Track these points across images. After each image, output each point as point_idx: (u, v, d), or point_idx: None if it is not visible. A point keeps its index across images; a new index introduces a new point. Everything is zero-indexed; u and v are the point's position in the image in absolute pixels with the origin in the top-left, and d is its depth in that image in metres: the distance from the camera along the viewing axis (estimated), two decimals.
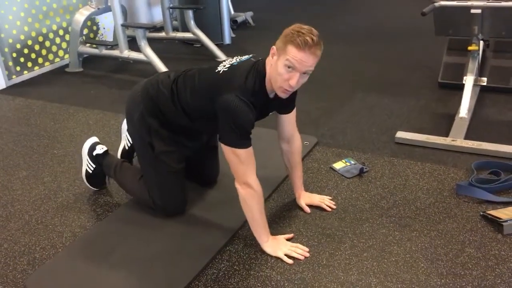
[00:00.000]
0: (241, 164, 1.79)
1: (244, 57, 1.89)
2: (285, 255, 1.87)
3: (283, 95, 1.79)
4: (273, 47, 1.73)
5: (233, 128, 1.74)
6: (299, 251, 1.89)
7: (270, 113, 2.00)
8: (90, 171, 2.31)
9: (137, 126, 2.05)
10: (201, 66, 2.00)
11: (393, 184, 2.33)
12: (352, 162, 2.51)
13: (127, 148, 2.49)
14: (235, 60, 1.87)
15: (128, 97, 2.11)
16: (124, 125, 2.51)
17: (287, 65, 1.67)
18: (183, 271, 1.83)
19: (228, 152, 1.79)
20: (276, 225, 2.07)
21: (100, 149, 2.31)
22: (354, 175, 2.41)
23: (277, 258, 1.87)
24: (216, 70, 1.85)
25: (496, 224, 1.99)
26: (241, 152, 1.77)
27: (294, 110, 2.03)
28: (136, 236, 2.03)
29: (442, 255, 1.86)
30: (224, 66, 1.85)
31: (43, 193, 2.42)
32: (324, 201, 2.19)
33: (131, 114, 2.07)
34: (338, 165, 2.49)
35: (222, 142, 1.80)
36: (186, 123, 1.99)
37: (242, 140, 1.77)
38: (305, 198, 2.19)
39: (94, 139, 2.36)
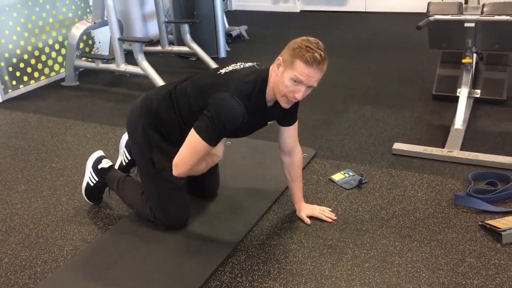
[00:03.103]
0: (193, 155, 1.81)
1: (248, 64, 1.92)
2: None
3: (286, 106, 1.82)
4: (279, 57, 1.75)
5: (214, 124, 1.74)
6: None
7: (269, 123, 2.01)
8: (91, 184, 2.31)
9: (139, 141, 2.05)
10: (206, 71, 2.03)
11: (392, 195, 2.35)
12: (351, 174, 2.54)
13: (124, 164, 2.49)
14: (239, 65, 1.90)
15: (128, 113, 2.12)
16: (123, 141, 2.51)
17: (294, 79, 1.71)
18: (186, 283, 1.83)
19: (192, 136, 1.79)
20: (277, 236, 2.08)
21: (105, 163, 2.31)
22: (353, 186, 2.43)
23: (279, 269, 1.88)
24: (218, 72, 1.89)
25: (495, 233, 2.01)
26: (203, 145, 1.77)
27: (296, 123, 2.04)
28: (137, 249, 2.03)
29: (443, 264, 1.88)
30: (227, 69, 1.88)
31: (43, 206, 2.41)
32: (325, 212, 2.20)
33: (133, 129, 2.07)
34: (337, 177, 2.52)
35: (194, 128, 1.79)
36: (186, 132, 1.99)
37: (212, 136, 1.77)
38: (306, 210, 2.20)
39: (99, 152, 2.36)
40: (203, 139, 1.77)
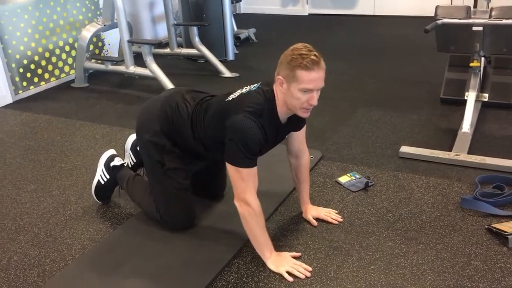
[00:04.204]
0: (242, 182, 1.82)
1: (253, 86, 1.93)
2: (287, 272, 1.87)
3: (306, 115, 1.85)
4: (279, 76, 1.76)
5: (239, 147, 1.77)
6: (301, 269, 1.88)
7: (287, 136, 2.05)
8: (102, 182, 2.34)
9: (149, 144, 2.08)
10: (215, 97, 2.04)
11: (398, 198, 2.36)
12: (357, 176, 2.54)
13: (130, 166, 2.51)
14: (244, 89, 1.92)
15: (142, 112, 2.15)
16: (128, 144, 2.53)
17: (303, 90, 1.73)
18: (192, 283, 1.85)
19: (230, 168, 1.82)
20: (284, 238, 2.10)
21: (117, 161, 2.35)
22: (360, 189, 2.44)
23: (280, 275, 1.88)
24: (226, 100, 1.90)
25: (501, 237, 2.01)
26: (244, 170, 1.80)
27: (304, 127, 2.07)
28: (145, 248, 2.05)
29: (448, 267, 1.88)
30: (234, 95, 1.91)
31: (52, 206, 2.44)
32: (330, 214, 2.21)
33: (145, 130, 2.09)
34: (344, 179, 2.52)
35: (226, 160, 1.83)
36: (201, 151, 2.04)
37: (246, 160, 1.79)
38: (312, 212, 2.21)
39: (112, 151, 2.40)
40: (241, 167, 1.79)
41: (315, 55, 1.70)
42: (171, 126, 2.04)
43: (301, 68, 1.69)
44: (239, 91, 1.92)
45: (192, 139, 2.01)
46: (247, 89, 1.91)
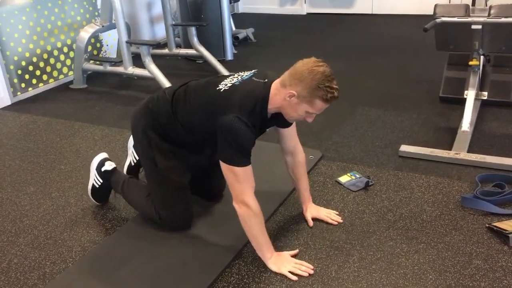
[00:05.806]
0: (238, 183, 1.81)
1: (246, 75, 1.91)
2: (289, 272, 1.87)
3: (292, 121, 1.91)
4: (291, 91, 1.73)
5: (233, 147, 1.76)
6: (304, 268, 1.88)
7: (268, 130, 2.03)
8: (97, 186, 2.34)
9: (140, 142, 2.08)
10: (205, 80, 2.01)
11: (399, 197, 2.35)
12: (357, 176, 2.54)
13: (133, 164, 2.51)
14: (236, 78, 1.90)
15: (132, 116, 2.15)
16: (130, 142, 2.54)
17: (310, 113, 1.78)
18: (193, 285, 1.84)
19: (225, 170, 1.81)
20: (284, 238, 2.09)
21: (109, 166, 2.33)
22: (360, 188, 2.44)
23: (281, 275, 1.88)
24: (217, 88, 1.87)
25: (502, 235, 2.01)
26: (239, 170, 1.79)
27: (294, 123, 2.06)
28: (145, 250, 2.05)
29: (450, 267, 1.88)
30: (226, 85, 1.87)
31: (51, 208, 2.43)
32: (331, 215, 2.21)
33: (135, 130, 2.10)
34: (344, 179, 2.52)
35: (220, 159, 1.81)
36: (185, 136, 2.01)
37: (240, 158, 1.78)
38: (312, 211, 2.21)
39: (103, 155, 2.39)
40: (237, 166, 1.79)
41: (337, 89, 1.74)
42: (153, 116, 2.02)
43: (322, 99, 1.73)
44: (230, 79, 1.89)
45: (171, 117, 1.96)
46: (240, 78, 1.89)
